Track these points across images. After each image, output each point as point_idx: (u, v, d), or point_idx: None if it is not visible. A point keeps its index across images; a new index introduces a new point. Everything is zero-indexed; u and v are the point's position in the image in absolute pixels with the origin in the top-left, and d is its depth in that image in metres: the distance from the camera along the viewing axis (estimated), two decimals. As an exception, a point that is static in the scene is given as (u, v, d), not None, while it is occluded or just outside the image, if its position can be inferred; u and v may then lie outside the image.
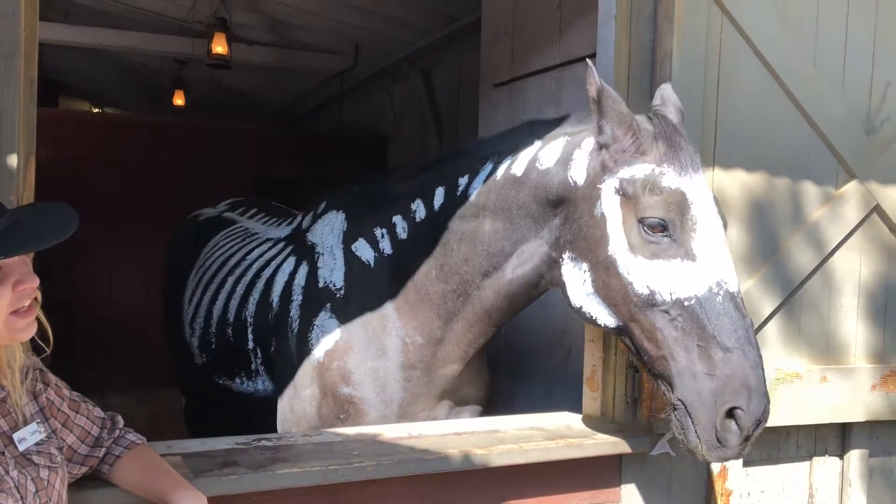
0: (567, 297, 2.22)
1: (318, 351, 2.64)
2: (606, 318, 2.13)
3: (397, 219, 2.65)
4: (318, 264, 2.80)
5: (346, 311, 2.65)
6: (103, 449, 1.80)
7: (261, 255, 3.28)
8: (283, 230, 3.42)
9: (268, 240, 3.40)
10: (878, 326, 2.89)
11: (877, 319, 2.89)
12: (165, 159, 6.85)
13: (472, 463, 2.25)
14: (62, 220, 1.52)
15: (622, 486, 2.58)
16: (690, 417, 1.96)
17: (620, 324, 2.10)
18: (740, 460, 2.77)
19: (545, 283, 2.40)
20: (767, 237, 2.70)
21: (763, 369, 1.93)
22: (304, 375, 2.67)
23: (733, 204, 2.65)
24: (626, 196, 2.06)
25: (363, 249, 2.71)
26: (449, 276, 2.50)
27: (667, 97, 2.30)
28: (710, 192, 2.08)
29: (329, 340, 2.64)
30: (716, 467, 2.74)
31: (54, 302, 1.76)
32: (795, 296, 2.74)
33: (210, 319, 3.33)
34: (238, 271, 3.31)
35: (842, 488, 2.94)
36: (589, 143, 2.19)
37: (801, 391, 2.71)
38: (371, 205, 2.80)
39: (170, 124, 7.93)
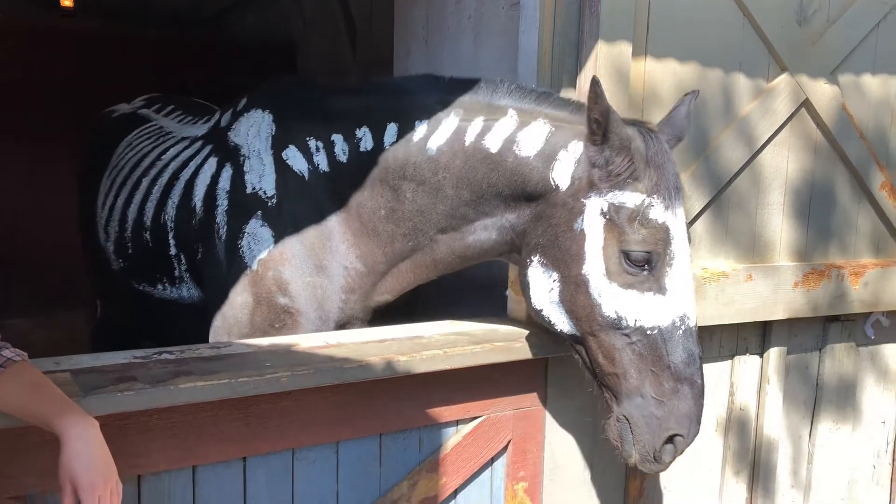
0: (528, 298, 2.19)
1: (251, 259, 2.52)
2: (565, 327, 2.14)
3: (337, 138, 2.48)
4: (245, 168, 2.63)
5: (280, 220, 2.51)
6: (-27, 368, 1.57)
7: (177, 156, 3.09)
8: (200, 128, 3.22)
9: (183, 139, 3.20)
10: (802, 224, 2.87)
11: (801, 217, 2.86)
12: (53, 68, 6.27)
13: (395, 370, 2.13)
14: None
15: (548, 389, 2.51)
16: (632, 433, 2.07)
17: (578, 335, 2.13)
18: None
19: (503, 258, 2.38)
20: (699, 133, 2.61)
21: (704, 397, 2.07)
22: (236, 283, 2.54)
23: (666, 97, 2.53)
24: (612, 222, 2.03)
25: (295, 159, 2.54)
26: (400, 221, 2.38)
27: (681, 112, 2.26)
28: (685, 220, 2.10)
29: (262, 249, 2.51)
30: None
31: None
32: (724, 193, 2.68)
33: (125, 223, 3.16)
34: (153, 172, 3.13)
35: (760, 385, 2.97)
36: (577, 147, 2.10)
37: (727, 290, 2.67)
38: (303, 112, 2.60)
39: (56, 29, 7.26)
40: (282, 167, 2.55)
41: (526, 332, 2.41)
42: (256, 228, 2.52)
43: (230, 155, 2.71)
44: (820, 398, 3.13)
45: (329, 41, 6.36)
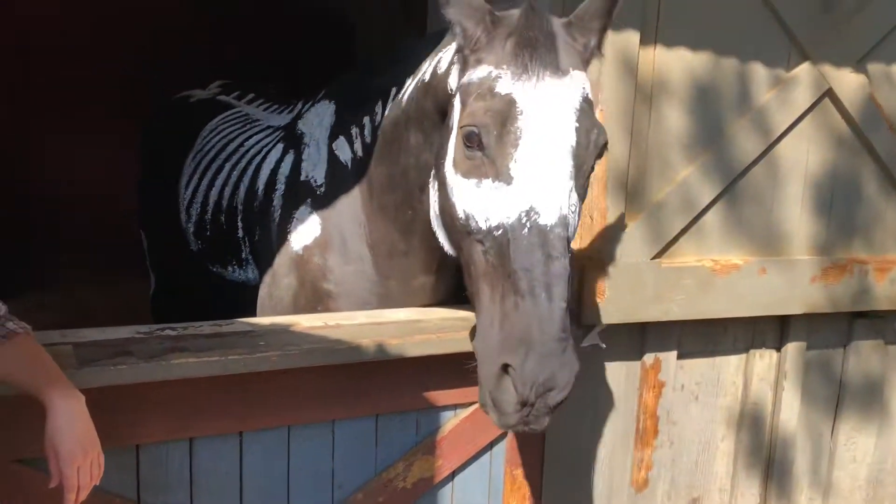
0: None
1: (297, 244, 2.59)
2: (446, 245, 1.97)
3: (366, 120, 2.50)
4: (303, 156, 2.71)
5: (326, 209, 2.57)
6: (-23, 339, 1.69)
7: (258, 143, 3.21)
8: (284, 118, 3.32)
9: (268, 127, 3.32)
10: (823, 218, 2.79)
11: (821, 211, 2.78)
12: (119, 33, 6.40)
13: (386, 353, 2.17)
14: None
15: (548, 378, 2.52)
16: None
17: (454, 253, 1.93)
18: (674, 352, 2.72)
19: None
20: (711, 122, 2.56)
21: (559, 325, 1.60)
22: (283, 265, 2.63)
23: (676, 86, 2.49)
24: (463, 105, 1.79)
25: (342, 148, 2.59)
26: (395, 187, 2.34)
27: None
28: (570, 99, 1.72)
29: (307, 235, 2.58)
30: (649, 359, 2.68)
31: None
32: (738, 184, 2.62)
33: (206, 206, 3.29)
34: (235, 158, 3.26)
35: (777, 381, 2.91)
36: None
37: (738, 283, 2.63)
38: (353, 100, 2.63)
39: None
40: (332, 158, 2.60)
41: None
42: (305, 215, 2.60)
43: (295, 142, 2.79)
44: (843, 396, 3.05)
45: (386, 19, 6.39)
